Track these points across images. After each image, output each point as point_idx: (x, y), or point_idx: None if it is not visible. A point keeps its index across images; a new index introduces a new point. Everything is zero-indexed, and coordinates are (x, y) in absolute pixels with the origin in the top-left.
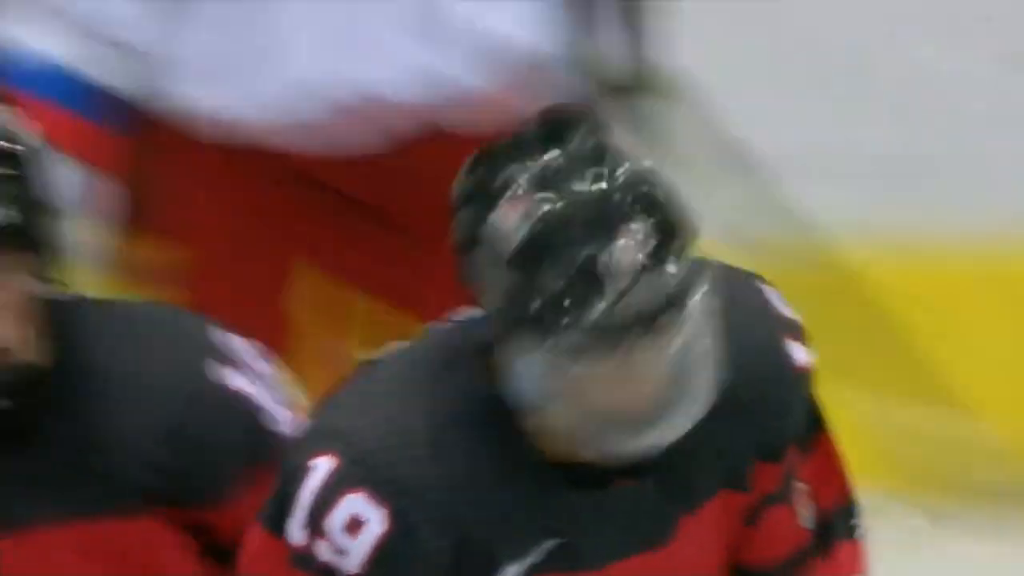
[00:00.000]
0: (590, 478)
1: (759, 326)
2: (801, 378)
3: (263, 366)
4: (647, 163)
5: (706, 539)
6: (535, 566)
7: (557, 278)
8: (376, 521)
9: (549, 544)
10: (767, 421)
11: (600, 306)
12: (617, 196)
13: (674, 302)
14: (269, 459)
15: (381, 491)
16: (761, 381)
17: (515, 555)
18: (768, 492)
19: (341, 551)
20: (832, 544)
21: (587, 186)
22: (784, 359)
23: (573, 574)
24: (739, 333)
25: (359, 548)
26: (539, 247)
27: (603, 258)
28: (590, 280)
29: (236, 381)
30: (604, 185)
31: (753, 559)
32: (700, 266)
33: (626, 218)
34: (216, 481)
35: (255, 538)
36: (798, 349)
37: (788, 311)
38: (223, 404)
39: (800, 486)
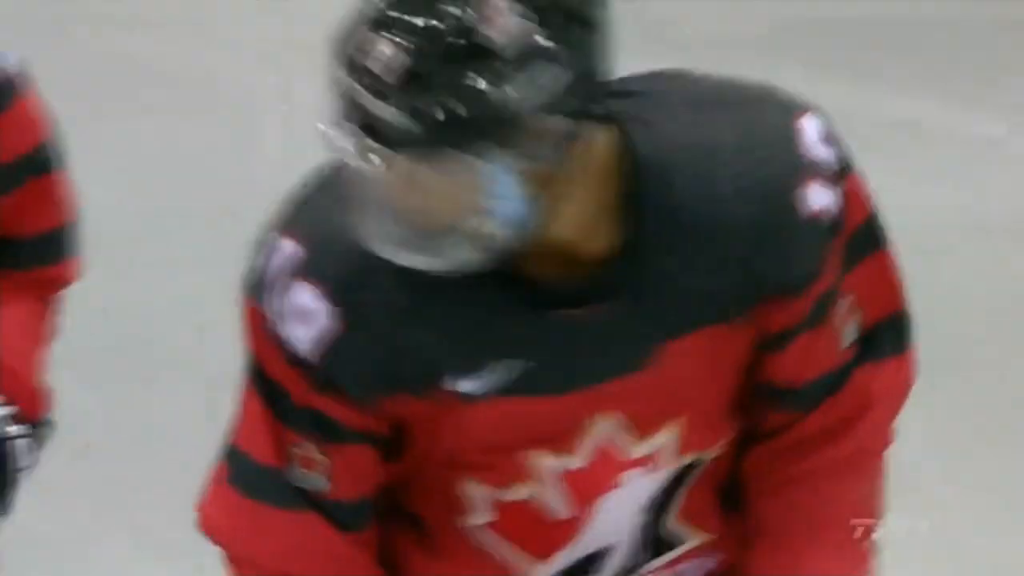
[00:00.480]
0: (553, 299)
1: (767, 165)
2: (813, 225)
3: None
4: None
5: (696, 366)
6: (496, 387)
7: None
8: (322, 315)
9: (508, 365)
10: (768, 264)
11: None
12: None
13: (465, 127)
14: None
15: (330, 288)
16: (758, 226)
17: (466, 371)
18: (789, 325)
19: (293, 336)
20: (878, 356)
21: None
22: (790, 205)
23: (535, 397)
24: (740, 170)
25: (305, 337)
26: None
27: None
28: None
29: None
30: None
31: (781, 379)
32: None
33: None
34: None
35: (244, 305)
36: (817, 193)
37: (823, 150)
38: None
39: (843, 302)
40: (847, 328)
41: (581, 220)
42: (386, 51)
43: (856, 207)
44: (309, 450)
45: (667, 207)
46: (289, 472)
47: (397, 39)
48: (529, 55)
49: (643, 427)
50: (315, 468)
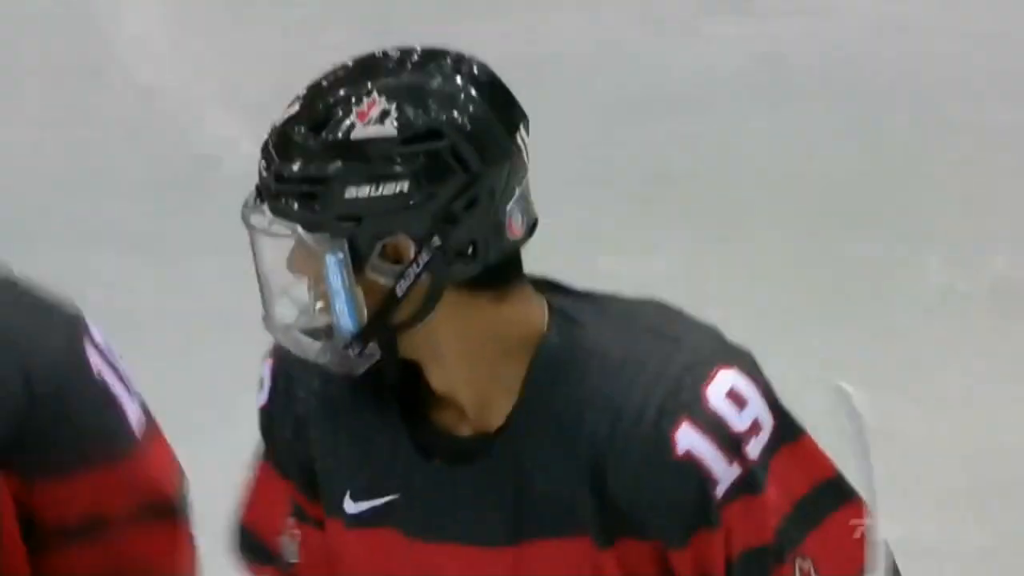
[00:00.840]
0: (429, 446)
1: (646, 392)
2: (682, 469)
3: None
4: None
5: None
6: (370, 514)
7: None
8: (265, 390)
9: (387, 496)
10: (623, 489)
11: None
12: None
13: (286, 193)
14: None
15: (273, 367)
16: (614, 446)
17: (353, 490)
18: None
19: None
20: None
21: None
22: (656, 439)
23: (404, 537)
24: (618, 387)
25: (257, 406)
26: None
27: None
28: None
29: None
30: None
31: None
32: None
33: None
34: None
35: None
36: (691, 438)
37: (723, 406)
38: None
39: (801, 563)
40: None
41: (462, 383)
42: (280, 124)
43: (799, 476)
44: (291, 522)
45: (543, 403)
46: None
47: (295, 111)
48: (389, 172)
49: None
50: (294, 540)
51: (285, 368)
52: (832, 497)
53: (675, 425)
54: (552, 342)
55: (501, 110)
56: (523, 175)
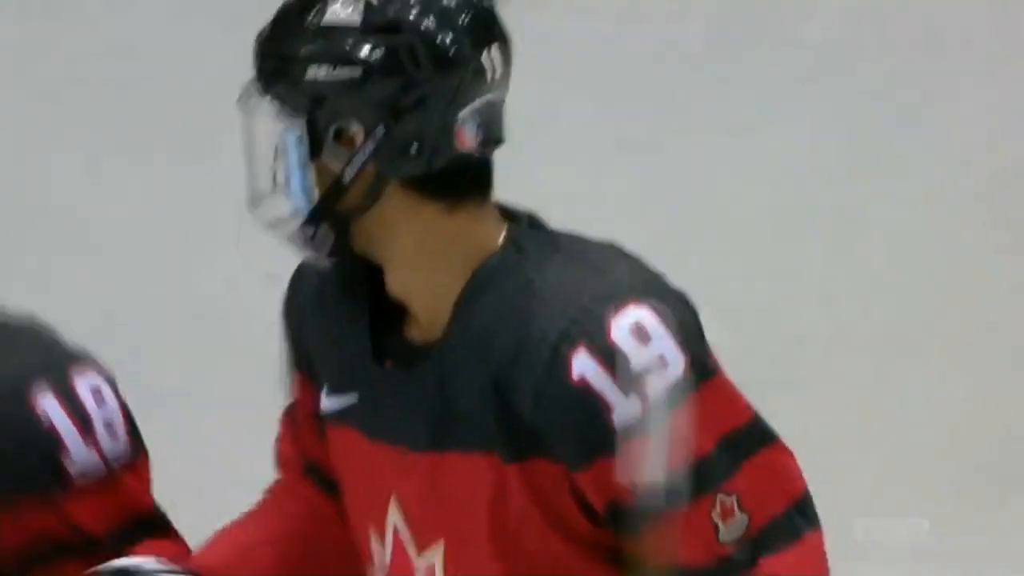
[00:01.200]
0: (385, 349)
1: (555, 316)
2: (576, 393)
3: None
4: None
5: (465, 491)
6: (338, 410)
7: None
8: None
9: (350, 394)
10: (523, 407)
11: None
12: None
13: (283, 72)
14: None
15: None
16: (518, 362)
17: (328, 385)
18: (603, 501)
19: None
20: (773, 551)
21: None
22: (556, 362)
23: (360, 434)
24: (531, 310)
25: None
26: None
27: None
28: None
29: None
30: None
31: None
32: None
33: None
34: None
35: None
36: (585, 365)
37: (625, 340)
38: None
39: (724, 498)
40: (726, 525)
41: (410, 288)
42: (280, 7)
43: (721, 414)
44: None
45: (470, 318)
46: None
47: None
48: (346, 57)
49: (418, 537)
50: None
51: (299, 265)
52: (755, 438)
53: (573, 351)
54: (491, 263)
55: (474, 25)
56: (485, 91)
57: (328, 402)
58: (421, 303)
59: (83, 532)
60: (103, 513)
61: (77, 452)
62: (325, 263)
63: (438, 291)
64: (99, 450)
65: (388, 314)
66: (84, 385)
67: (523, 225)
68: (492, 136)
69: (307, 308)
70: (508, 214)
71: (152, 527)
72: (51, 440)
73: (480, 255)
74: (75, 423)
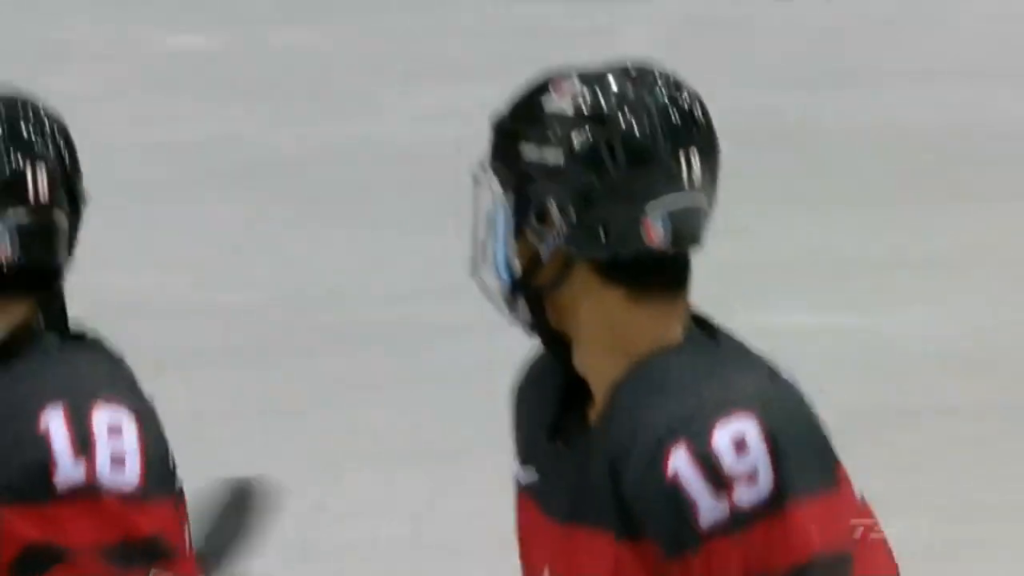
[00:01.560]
0: (559, 426)
1: (667, 415)
2: (667, 488)
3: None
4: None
5: (590, 567)
6: (526, 485)
7: None
8: None
9: (530, 470)
10: (643, 509)
11: None
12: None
13: (499, 153)
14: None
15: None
16: (630, 453)
17: (519, 457)
18: None
19: None
20: None
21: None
22: (657, 457)
23: (535, 506)
24: (656, 408)
25: None
26: None
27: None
28: None
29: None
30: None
31: None
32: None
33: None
34: None
35: None
36: (680, 461)
37: (724, 451)
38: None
39: None
40: None
41: (590, 369)
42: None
43: (791, 547)
44: None
45: (618, 406)
46: None
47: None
48: (553, 141)
49: None
50: None
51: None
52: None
53: (673, 447)
54: (650, 356)
55: (673, 127)
56: (678, 190)
57: (519, 473)
58: (594, 384)
59: (68, 543)
60: (90, 527)
61: (63, 465)
62: (530, 333)
63: (605, 374)
64: (90, 472)
65: (580, 392)
66: (102, 416)
67: (706, 329)
68: (685, 236)
69: (525, 385)
70: (700, 319)
71: (155, 556)
72: (42, 451)
73: (650, 348)
74: (72, 442)
